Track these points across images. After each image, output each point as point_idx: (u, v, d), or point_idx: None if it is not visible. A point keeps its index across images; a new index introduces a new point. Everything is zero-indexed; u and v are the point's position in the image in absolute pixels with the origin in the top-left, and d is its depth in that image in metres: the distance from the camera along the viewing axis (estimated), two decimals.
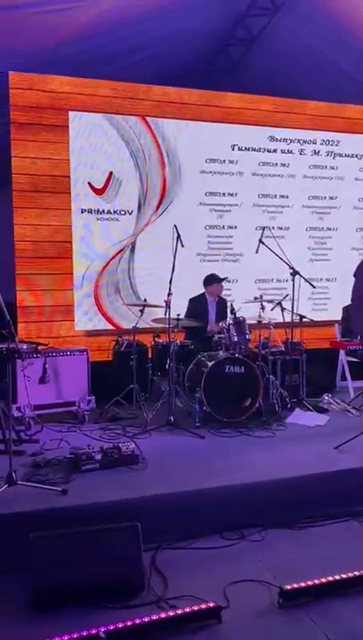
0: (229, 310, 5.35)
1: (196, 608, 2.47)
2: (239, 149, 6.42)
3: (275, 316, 5.49)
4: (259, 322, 5.37)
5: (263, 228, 5.58)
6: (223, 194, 6.43)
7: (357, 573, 2.72)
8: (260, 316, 5.37)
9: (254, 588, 2.76)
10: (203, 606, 2.49)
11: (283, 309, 5.43)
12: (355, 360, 5.78)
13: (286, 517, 3.40)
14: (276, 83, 6.99)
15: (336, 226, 6.86)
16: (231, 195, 6.45)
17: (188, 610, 2.46)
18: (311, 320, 5.49)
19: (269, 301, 5.45)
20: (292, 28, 6.71)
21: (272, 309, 5.48)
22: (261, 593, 2.72)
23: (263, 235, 5.57)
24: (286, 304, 5.36)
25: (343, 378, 5.96)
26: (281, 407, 5.12)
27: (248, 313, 5.32)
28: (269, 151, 6.53)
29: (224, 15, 6.96)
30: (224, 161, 6.39)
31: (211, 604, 2.51)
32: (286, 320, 5.44)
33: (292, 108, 6.65)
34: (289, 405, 5.18)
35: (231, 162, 6.41)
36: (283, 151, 6.58)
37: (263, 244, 5.49)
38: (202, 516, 3.30)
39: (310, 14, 6.28)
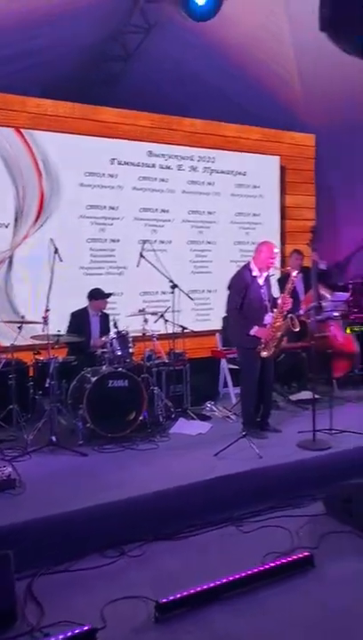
0: (112, 324, 5.34)
1: (69, 634, 2.41)
2: (119, 163, 6.47)
3: (159, 327, 5.58)
4: (143, 334, 5.42)
5: (144, 242, 5.65)
6: (104, 207, 6.43)
7: (230, 578, 2.82)
8: (144, 328, 5.42)
9: (132, 605, 2.75)
10: (77, 631, 2.44)
11: (166, 321, 5.53)
12: (236, 367, 6.01)
13: (168, 529, 3.44)
14: (153, 99, 7.12)
15: (215, 239, 7.12)
16: (113, 208, 6.47)
17: (61, 637, 2.39)
18: (192, 331, 5.63)
19: (152, 314, 5.52)
20: (165, 47, 6.89)
21: (156, 321, 5.55)
22: (138, 609, 2.72)
23: (144, 248, 5.65)
24: (169, 316, 5.46)
25: (226, 385, 6.17)
26: (165, 418, 5.19)
27: (133, 326, 5.36)
28: (148, 166, 6.64)
29: (102, 30, 6.99)
30: (104, 174, 6.39)
31: (85, 628, 2.46)
32: (169, 331, 5.55)
33: (169, 124, 6.83)
34: (173, 415, 5.27)
35: (111, 175, 6.44)
36: (161, 166, 6.72)
37: (143, 257, 5.56)
38: (82, 536, 3.24)
39: (182, 34, 6.49)
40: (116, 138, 6.47)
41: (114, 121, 6.50)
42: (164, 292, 6.57)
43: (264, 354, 4.57)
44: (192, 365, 5.82)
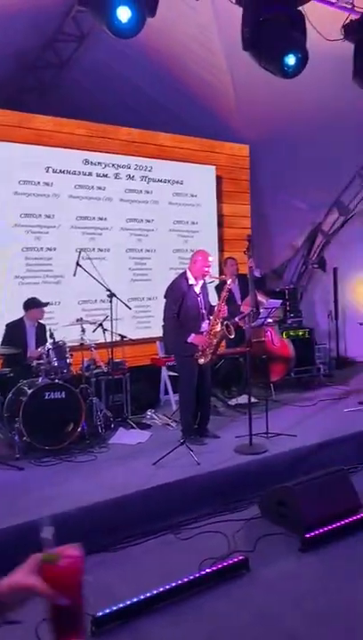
0: (48, 335, 5.26)
1: None
2: (54, 172, 6.39)
3: (98, 337, 5.54)
4: (81, 344, 5.37)
5: (80, 251, 5.59)
6: (40, 215, 6.32)
7: (167, 587, 2.83)
8: (82, 338, 5.37)
9: None
10: None
11: (105, 330, 5.51)
12: (176, 374, 6.05)
13: (105, 541, 3.41)
14: (89, 107, 7.09)
15: (154, 247, 7.14)
16: (48, 216, 6.37)
17: None
18: (130, 339, 5.63)
19: (91, 323, 5.48)
20: (100, 56, 6.87)
21: (94, 331, 5.52)
22: None
23: (80, 257, 5.59)
24: (108, 324, 5.44)
25: (167, 392, 6.20)
26: (105, 428, 5.16)
27: (71, 336, 5.30)
28: (84, 174, 6.59)
29: (35, 38, 6.89)
30: (39, 182, 6.30)
31: None
32: (108, 340, 5.52)
33: (105, 133, 6.81)
34: (113, 425, 5.24)
35: (47, 184, 6.35)
36: (98, 175, 6.69)
37: (80, 266, 5.51)
38: (13, 555, 3.13)
39: (116, 44, 6.49)
40: (51, 146, 6.38)
41: (49, 129, 6.42)
42: (103, 301, 6.54)
43: (201, 360, 4.63)
44: (132, 374, 5.82)
